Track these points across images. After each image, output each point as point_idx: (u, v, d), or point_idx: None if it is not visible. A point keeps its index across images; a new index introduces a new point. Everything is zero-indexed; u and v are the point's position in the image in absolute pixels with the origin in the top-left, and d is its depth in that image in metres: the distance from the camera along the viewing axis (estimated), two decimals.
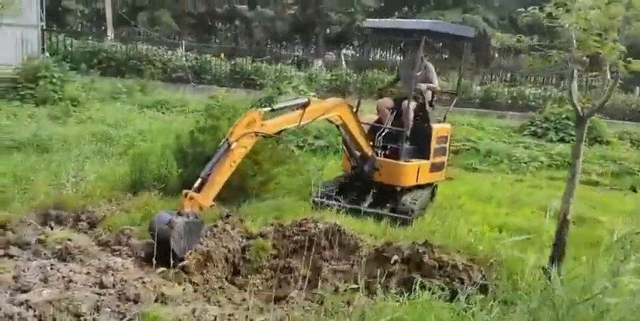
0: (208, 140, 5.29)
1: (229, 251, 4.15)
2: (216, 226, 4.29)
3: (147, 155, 5.50)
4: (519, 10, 3.19)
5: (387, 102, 6.06)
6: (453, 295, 3.15)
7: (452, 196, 6.66)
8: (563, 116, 11.62)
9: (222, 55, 17.51)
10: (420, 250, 3.56)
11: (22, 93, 11.27)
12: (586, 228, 5.49)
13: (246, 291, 3.74)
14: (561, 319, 2.33)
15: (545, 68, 3.41)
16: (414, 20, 5.10)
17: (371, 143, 5.77)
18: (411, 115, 5.85)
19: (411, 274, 3.41)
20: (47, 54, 15.67)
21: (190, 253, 3.84)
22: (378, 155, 5.85)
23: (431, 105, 6.09)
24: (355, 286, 3.08)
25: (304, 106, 4.62)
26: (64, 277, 3.31)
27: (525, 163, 8.92)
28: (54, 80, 11.54)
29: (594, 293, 2.46)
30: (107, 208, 4.97)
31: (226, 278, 4.08)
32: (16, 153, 6.86)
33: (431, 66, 6.02)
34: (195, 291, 3.58)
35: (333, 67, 19.76)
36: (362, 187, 5.84)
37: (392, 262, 3.60)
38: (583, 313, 2.42)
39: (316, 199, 5.62)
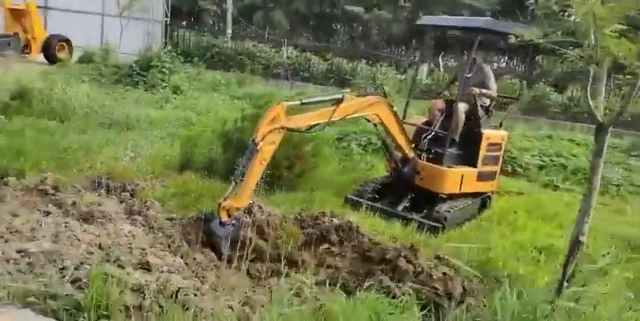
0: (250, 127, 5.48)
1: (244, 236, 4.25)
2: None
3: (196, 139, 5.84)
4: (530, 1, 2.84)
5: (439, 104, 5.78)
6: (436, 305, 2.97)
7: (508, 210, 6.15)
8: None
9: (330, 54, 17.96)
10: (402, 254, 3.36)
11: (135, 79, 12.55)
12: None
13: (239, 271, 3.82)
14: None
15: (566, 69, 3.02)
16: (469, 17, 4.75)
17: (414, 145, 5.55)
18: (462, 118, 5.52)
19: (380, 276, 3.24)
20: (169, 47, 17.33)
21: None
22: (421, 158, 5.61)
23: (488, 111, 5.69)
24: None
25: (338, 102, 4.54)
26: (74, 235, 3.69)
27: (617, 186, 7.91)
28: (163, 70, 12.70)
29: None
30: (151, 182, 5.39)
31: (230, 260, 4.20)
32: (105, 129, 7.69)
33: (488, 69, 5.62)
34: (187, 264, 3.75)
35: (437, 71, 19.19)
36: (401, 190, 5.64)
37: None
38: None
39: (349, 196, 5.55)
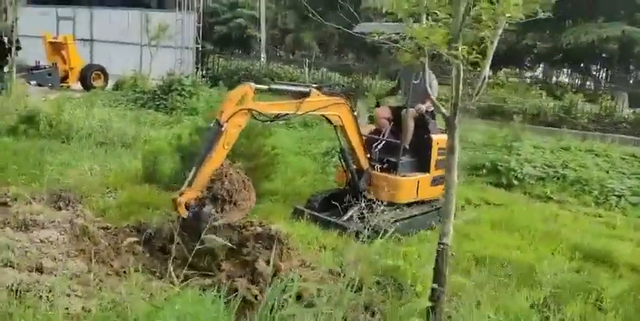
0: (200, 141, 5.65)
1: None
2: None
3: (157, 153, 6.08)
4: None
5: (385, 111, 5.70)
6: None
7: (472, 220, 5.88)
8: None
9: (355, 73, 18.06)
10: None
11: (157, 103, 13.26)
12: None
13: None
14: None
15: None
16: (401, 24, 4.62)
17: (368, 156, 5.48)
18: (412, 125, 5.41)
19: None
20: (202, 71, 18.17)
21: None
22: (374, 169, 5.52)
23: (433, 115, 5.55)
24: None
25: (304, 95, 4.48)
26: None
27: (619, 197, 7.32)
28: (183, 93, 13.34)
29: None
30: (107, 194, 5.67)
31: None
32: (100, 147, 8.15)
33: (431, 74, 5.48)
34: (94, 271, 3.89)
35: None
36: (350, 201, 5.55)
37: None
38: None
39: (297, 206, 5.54)
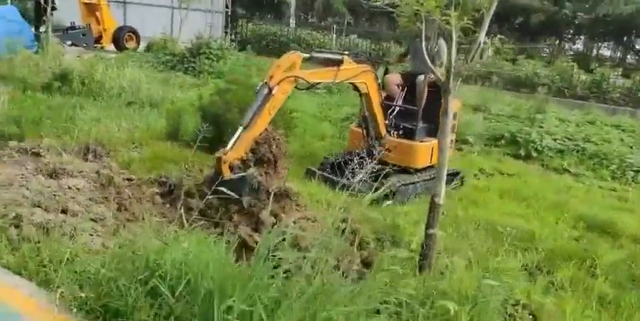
0: (220, 102, 5.88)
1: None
2: None
3: (180, 112, 6.34)
4: None
5: (396, 78, 5.76)
6: None
7: (482, 189, 6.00)
8: None
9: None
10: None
11: (185, 66, 13.51)
12: None
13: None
14: None
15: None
16: None
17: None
18: (425, 91, 5.49)
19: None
20: (231, 36, 18.27)
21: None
22: (391, 134, 5.66)
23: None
24: None
25: (338, 63, 4.57)
26: (25, 185, 4.33)
27: (636, 171, 7.26)
28: (211, 56, 13.53)
29: None
30: (133, 149, 6.00)
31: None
32: (129, 106, 8.48)
33: (442, 42, 5.49)
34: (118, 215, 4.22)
35: None
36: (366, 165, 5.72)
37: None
38: None
39: (310, 167, 5.75)
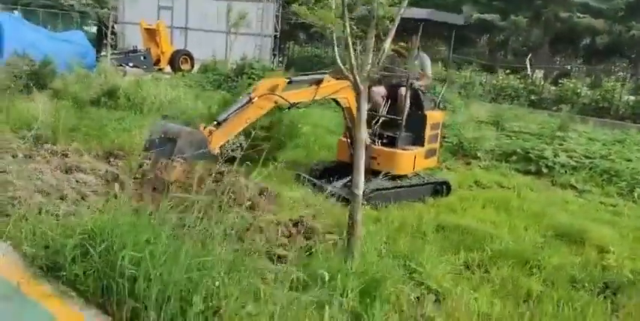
0: None
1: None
2: None
3: (193, 121, 7.04)
4: None
5: (381, 90, 6.12)
6: None
7: (467, 198, 6.16)
8: None
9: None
10: None
11: (229, 85, 14.54)
12: None
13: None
14: None
15: None
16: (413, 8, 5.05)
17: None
18: (407, 103, 5.83)
19: None
20: (280, 57, 19.29)
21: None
22: (375, 143, 6.02)
23: (424, 93, 5.92)
24: None
25: (318, 82, 5.13)
26: (40, 177, 5.12)
27: None
28: (252, 76, 14.47)
29: None
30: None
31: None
32: (163, 120, 9.37)
33: (426, 56, 5.81)
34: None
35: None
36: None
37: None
38: None
39: (299, 172, 6.20)
